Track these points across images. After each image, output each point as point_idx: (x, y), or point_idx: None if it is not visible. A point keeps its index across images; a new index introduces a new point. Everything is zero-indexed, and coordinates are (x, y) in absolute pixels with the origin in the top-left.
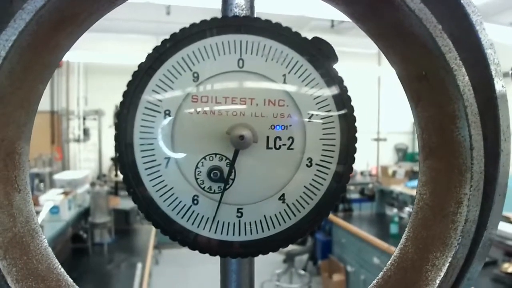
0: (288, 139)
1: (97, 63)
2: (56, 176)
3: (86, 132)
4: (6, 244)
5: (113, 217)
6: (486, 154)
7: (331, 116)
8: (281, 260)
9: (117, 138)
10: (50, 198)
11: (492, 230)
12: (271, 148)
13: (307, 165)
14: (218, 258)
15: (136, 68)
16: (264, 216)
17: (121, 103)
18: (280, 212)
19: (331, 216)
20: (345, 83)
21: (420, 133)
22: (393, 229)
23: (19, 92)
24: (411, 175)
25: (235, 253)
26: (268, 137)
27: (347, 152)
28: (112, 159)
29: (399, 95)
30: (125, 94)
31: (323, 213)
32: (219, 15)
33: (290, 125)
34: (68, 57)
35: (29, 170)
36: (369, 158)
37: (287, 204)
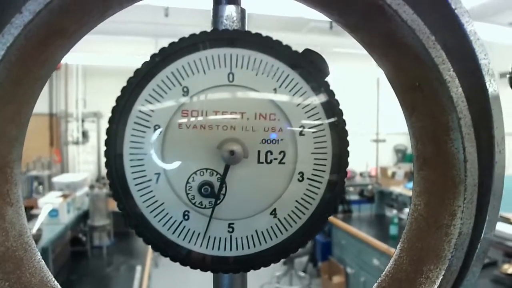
0: (280, 153)
1: (96, 65)
2: (55, 179)
3: (85, 134)
4: None
5: (112, 220)
6: (480, 165)
7: (323, 130)
8: (280, 262)
9: (106, 153)
10: (49, 201)
11: (486, 243)
12: (262, 163)
13: (298, 179)
14: None
15: (132, 73)
16: (256, 231)
17: (110, 118)
18: (271, 227)
19: (331, 217)
20: (337, 97)
21: (415, 143)
22: (393, 230)
23: (9, 106)
24: (411, 176)
25: (227, 269)
26: (259, 152)
27: (339, 166)
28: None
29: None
30: (114, 109)
31: (315, 227)
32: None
33: (282, 139)
34: (66, 59)
35: (21, 183)
36: (368, 159)
37: (279, 219)
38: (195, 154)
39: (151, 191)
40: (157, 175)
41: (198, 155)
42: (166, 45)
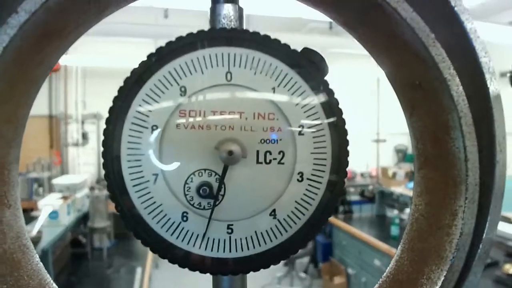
0: (279, 153)
1: (95, 67)
2: (55, 181)
3: (84, 136)
4: None
5: (112, 222)
6: (481, 164)
7: (322, 129)
8: (281, 263)
9: (104, 155)
10: (49, 203)
11: (488, 243)
12: (261, 163)
13: (298, 179)
14: None
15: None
16: (255, 232)
17: (107, 119)
18: (271, 228)
19: (332, 218)
20: (337, 97)
21: (415, 142)
22: (394, 230)
23: (5, 107)
24: (411, 176)
25: (226, 271)
26: (258, 152)
27: (339, 166)
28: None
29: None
30: (111, 110)
31: (315, 228)
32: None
33: (281, 139)
34: (65, 61)
35: (19, 185)
36: (369, 160)
37: (278, 220)
38: (193, 155)
39: (149, 192)
40: (155, 176)
41: (196, 155)
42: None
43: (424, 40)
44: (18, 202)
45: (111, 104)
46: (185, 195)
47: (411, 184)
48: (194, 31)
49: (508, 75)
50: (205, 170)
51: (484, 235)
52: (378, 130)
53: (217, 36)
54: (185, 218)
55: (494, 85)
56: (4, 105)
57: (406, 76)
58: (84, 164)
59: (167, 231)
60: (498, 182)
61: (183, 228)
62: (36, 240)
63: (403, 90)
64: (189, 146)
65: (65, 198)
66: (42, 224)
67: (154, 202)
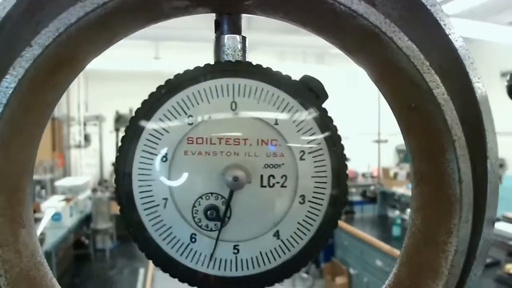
0: (282, 177)
1: (97, 69)
2: (58, 183)
3: (87, 138)
4: (13, 280)
5: (115, 223)
6: (475, 184)
7: (322, 155)
8: None
9: (116, 181)
10: (52, 205)
11: (482, 260)
12: (265, 186)
13: (300, 202)
14: None
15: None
16: (260, 252)
17: (119, 148)
18: (275, 248)
19: None
20: (335, 123)
21: (412, 159)
22: (396, 231)
23: (21, 135)
24: None
25: None
26: (262, 176)
27: (339, 189)
28: (114, 164)
29: None
30: (123, 139)
31: (317, 246)
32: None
33: (283, 164)
34: None
35: (32, 206)
36: (370, 160)
37: (282, 240)
38: (201, 180)
39: (159, 216)
40: (165, 200)
41: (204, 180)
42: (171, 77)
43: (419, 67)
44: (31, 220)
45: (123, 133)
46: (193, 217)
47: None
48: (201, 65)
49: (506, 85)
50: (212, 194)
51: (478, 252)
52: (379, 130)
53: (222, 69)
54: (193, 239)
55: (487, 110)
56: (20, 132)
57: (403, 99)
58: (87, 166)
59: (176, 251)
60: (491, 201)
61: (191, 249)
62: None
63: (400, 110)
64: (196, 172)
65: (67, 200)
66: (45, 226)
67: (164, 225)
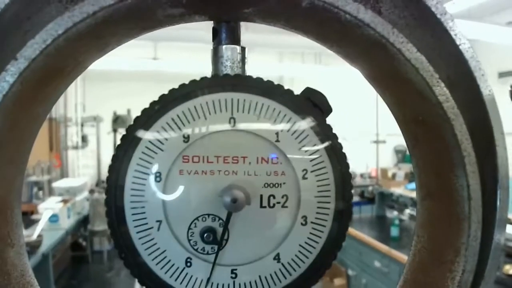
0: (282, 197)
1: (94, 69)
2: (55, 184)
3: (84, 138)
4: None
5: None
6: (484, 201)
7: (326, 173)
8: None
9: (107, 203)
10: (49, 206)
11: (490, 279)
12: (265, 207)
13: (302, 223)
14: None
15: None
16: (259, 277)
17: (110, 166)
18: (275, 272)
19: None
20: (340, 139)
21: (418, 173)
22: (394, 232)
23: (7, 149)
24: (411, 177)
25: None
26: (261, 196)
27: (343, 210)
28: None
29: None
30: (114, 158)
31: (320, 271)
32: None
33: (284, 183)
34: None
35: (21, 224)
36: (368, 160)
37: (282, 264)
38: (197, 200)
39: (152, 239)
40: (159, 223)
41: (200, 201)
42: (165, 91)
43: (428, 80)
44: (21, 239)
45: (114, 152)
46: (189, 240)
47: (411, 185)
48: (197, 78)
49: (509, 89)
50: (208, 215)
51: (486, 271)
52: (377, 131)
53: (220, 83)
54: (189, 264)
55: (498, 125)
56: (6, 147)
57: (409, 111)
58: (84, 167)
59: (171, 276)
60: (499, 219)
61: (187, 274)
62: (36, 244)
63: (406, 123)
64: (192, 192)
65: (65, 201)
66: (42, 227)
67: (158, 248)
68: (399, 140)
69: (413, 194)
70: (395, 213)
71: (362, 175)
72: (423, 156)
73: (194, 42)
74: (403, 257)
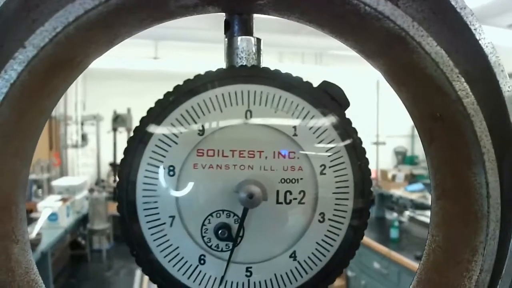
0: (299, 193)
1: (95, 68)
2: (54, 182)
3: (84, 137)
4: None
5: (112, 223)
6: (502, 199)
7: (345, 169)
8: None
9: (118, 198)
10: (49, 205)
11: (508, 279)
12: (281, 203)
13: (319, 220)
14: None
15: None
16: (275, 275)
17: (122, 160)
18: (291, 270)
19: None
20: (359, 135)
21: (433, 172)
22: (393, 233)
23: (13, 141)
24: (411, 178)
25: None
26: (278, 191)
27: (362, 207)
28: (111, 164)
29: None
30: (126, 151)
31: (336, 269)
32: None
33: (301, 178)
34: None
35: (26, 219)
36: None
37: (299, 262)
38: (211, 195)
39: (165, 235)
40: (172, 218)
41: (215, 196)
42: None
43: (448, 75)
44: (26, 236)
45: (126, 145)
46: (203, 237)
47: (410, 187)
48: (213, 69)
49: None
50: (223, 211)
51: (504, 271)
52: (377, 132)
53: (236, 74)
54: (202, 261)
55: None
56: (12, 139)
57: (426, 107)
58: (84, 165)
59: (184, 274)
60: None
61: (200, 271)
62: (35, 243)
63: (422, 120)
64: (207, 186)
65: (64, 200)
66: (41, 226)
67: (171, 245)
68: (399, 142)
69: (413, 196)
70: (395, 214)
71: None
72: (439, 154)
73: (195, 41)
74: (402, 259)
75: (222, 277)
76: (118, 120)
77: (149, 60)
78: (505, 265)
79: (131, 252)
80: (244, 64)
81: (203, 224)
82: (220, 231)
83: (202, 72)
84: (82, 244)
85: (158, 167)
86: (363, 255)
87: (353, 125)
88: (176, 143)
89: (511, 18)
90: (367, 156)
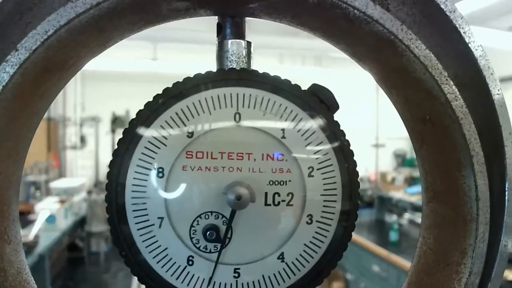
0: (288, 194)
1: (94, 70)
2: (53, 184)
3: (83, 139)
4: None
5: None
6: (492, 202)
7: (333, 171)
8: None
9: (107, 199)
10: (46, 206)
11: (497, 281)
12: (270, 205)
13: (307, 222)
14: None
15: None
16: (263, 276)
17: (111, 161)
18: (279, 271)
19: None
20: (347, 137)
21: (424, 174)
22: (393, 236)
23: (6, 144)
24: (410, 181)
25: None
26: (266, 193)
27: (350, 209)
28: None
29: None
30: (115, 153)
31: (324, 270)
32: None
33: (290, 180)
34: None
35: (18, 219)
36: (367, 164)
37: (287, 263)
38: (200, 197)
39: (154, 236)
40: (160, 220)
41: (203, 197)
42: (169, 80)
43: (437, 78)
44: (18, 236)
45: (115, 146)
46: (191, 238)
47: (410, 189)
48: (202, 72)
49: None
50: (211, 212)
51: (493, 274)
52: (377, 134)
53: (226, 77)
54: (190, 262)
55: (507, 122)
56: (5, 140)
57: (416, 110)
58: (82, 167)
59: (172, 275)
60: (508, 221)
61: (188, 272)
62: (32, 245)
63: (413, 123)
64: (195, 188)
65: (62, 201)
66: (39, 228)
67: (159, 246)
68: (399, 144)
69: (413, 199)
70: (394, 217)
71: (361, 179)
72: (430, 156)
73: (193, 43)
74: (402, 261)
75: (210, 278)
76: (116, 122)
77: (147, 61)
78: (494, 268)
79: (119, 253)
80: (233, 67)
81: (191, 226)
82: (208, 233)
83: (192, 75)
84: (80, 247)
85: (147, 169)
86: (362, 258)
87: (341, 127)
88: (165, 145)
89: (511, 20)
90: (354, 158)
